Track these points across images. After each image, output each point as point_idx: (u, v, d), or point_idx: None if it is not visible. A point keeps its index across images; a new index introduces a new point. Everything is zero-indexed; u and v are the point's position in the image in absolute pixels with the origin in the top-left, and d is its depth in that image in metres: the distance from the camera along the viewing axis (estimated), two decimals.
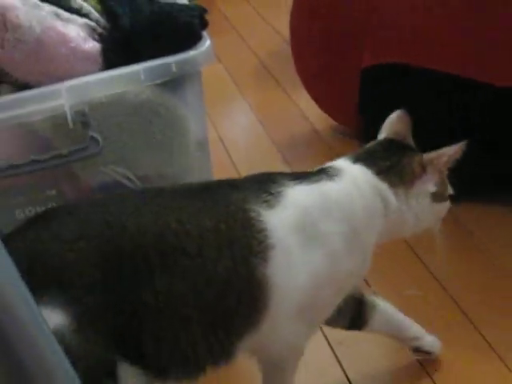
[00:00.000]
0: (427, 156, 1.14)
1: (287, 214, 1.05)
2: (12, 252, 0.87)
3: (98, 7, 1.29)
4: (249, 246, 1.02)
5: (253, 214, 1.03)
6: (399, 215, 1.13)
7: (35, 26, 1.18)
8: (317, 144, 2.06)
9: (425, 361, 1.31)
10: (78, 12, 1.25)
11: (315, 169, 1.13)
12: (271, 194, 1.06)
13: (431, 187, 1.15)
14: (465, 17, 1.59)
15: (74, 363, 0.79)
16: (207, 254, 1.00)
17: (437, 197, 1.16)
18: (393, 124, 1.22)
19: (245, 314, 1.03)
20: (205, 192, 1.07)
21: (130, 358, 0.99)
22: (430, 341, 1.28)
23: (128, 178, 1.29)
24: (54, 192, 1.27)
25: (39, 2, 1.21)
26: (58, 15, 1.22)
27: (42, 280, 0.94)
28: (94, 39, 1.24)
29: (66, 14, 1.23)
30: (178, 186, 1.15)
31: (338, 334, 1.34)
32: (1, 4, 1.16)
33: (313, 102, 2.06)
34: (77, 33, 1.21)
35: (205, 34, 1.32)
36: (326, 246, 1.06)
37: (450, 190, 1.18)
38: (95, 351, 0.96)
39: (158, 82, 1.22)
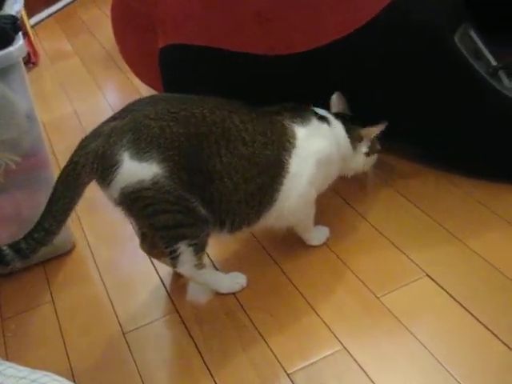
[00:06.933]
0: (363, 130, 1.72)
1: (308, 131, 1.58)
2: (120, 127, 1.40)
3: None
4: (283, 145, 1.54)
5: (288, 128, 1.56)
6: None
7: None
8: None
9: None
10: None
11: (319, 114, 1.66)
12: (303, 118, 1.60)
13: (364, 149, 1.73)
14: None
15: (165, 195, 1.40)
16: (256, 146, 1.49)
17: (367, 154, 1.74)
18: (334, 103, 1.80)
19: (271, 189, 1.54)
20: (258, 110, 1.56)
21: (202, 202, 1.46)
22: None
23: None
24: None
25: None
26: None
27: (145, 146, 1.38)
28: None
29: None
30: (241, 102, 1.56)
31: None
32: None
33: None
34: None
35: (19, 35, 1.68)
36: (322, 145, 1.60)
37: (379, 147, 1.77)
38: (178, 191, 1.41)
39: None
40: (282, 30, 1.92)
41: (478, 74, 1.74)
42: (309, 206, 1.66)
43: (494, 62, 1.80)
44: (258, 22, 1.93)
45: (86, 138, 1.45)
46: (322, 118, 1.66)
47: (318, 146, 1.60)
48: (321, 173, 1.61)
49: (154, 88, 2.45)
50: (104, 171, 1.40)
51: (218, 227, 1.54)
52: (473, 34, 1.82)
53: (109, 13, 2.47)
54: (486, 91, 1.76)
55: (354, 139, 1.71)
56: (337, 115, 1.72)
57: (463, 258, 1.62)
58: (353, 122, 1.73)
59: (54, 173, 1.73)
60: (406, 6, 1.75)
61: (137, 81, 2.65)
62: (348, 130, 1.70)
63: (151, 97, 1.53)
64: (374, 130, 1.71)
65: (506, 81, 1.80)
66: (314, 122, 1.62)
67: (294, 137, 1.57)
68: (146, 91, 2.58)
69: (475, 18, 1.87)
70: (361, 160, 1.74)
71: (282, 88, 1.93)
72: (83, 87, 2.94)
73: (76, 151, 1.43)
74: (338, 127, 1.68)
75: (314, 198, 1.65)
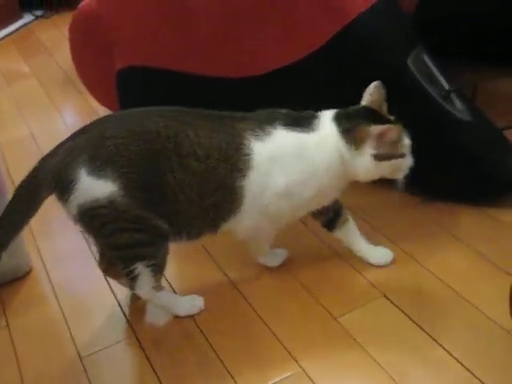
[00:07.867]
0: (372, 128, 1.44)
1: (268, 148, 1.46)
2: (77, 146, 1.41)
3: None
4: (235, 164, 1.44)
5: (245, 142, 1.45)
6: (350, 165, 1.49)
7: None
8: None
9: None
10: None
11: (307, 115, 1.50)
12: (263, 131, 1.46)
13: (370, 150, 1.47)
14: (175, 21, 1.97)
15: (122, 214, 1.39)
16: (210, 162, 1.42)
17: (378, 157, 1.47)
18: (369, 95, 1.54)
19: (226, 207, 1.48)
20: (218, 117, 1.48)
21: (160, 218, 1.44)
22: (375, 255, 1.69)
23: None
24: None
25: None
26: None
27: (101, 164, 1.37)
28: None
29: None
30: (201, 110, 1.49)
31: None
32: None
33: None
34: None
35: None
36: (286, 175, 1.48)
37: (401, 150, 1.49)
38: (135, 210, 1.41)
39: None
40: (236, 53, 1.93)
41: (431, 96, 1.78)
42: (266, 234, 1.65)
43: (446, 86, 1.84)
44: (215, 45, 1.95)
45: (45, 156, 1.45)
46: (298, 123, 1.50)
47: (277, 177, 1.47)
48: (285, 205, 1.52)
49: (113, 111, 2.43)
50: (63, 187, 1.40)
51: (178, 237, 1.52)
52: (426, 58, 1.86)
53: (67, 33, 2.46)
54: (440, 114, 1.80)
55: (354, 138, 1.47)
56: (337, 114, 1.52)
57: (419, 277, 1.65)
58: (370, 118, 1.49)
59: (10, 194, 1.69)
60: (359, 31, 1.78)
61: (95, 103, 2.65)
62: (345, 129, 1.48)
63: (106, 117, 1.53)
64: (378, 129, 1.44)
65: (458, 103, 1.84)
66: (277, 134, 1.47)
67: (249, 153, 1.45)
68: (104, 113, 2.55)
69: (428, 42, 1.91)
70: (367, 163, 1.48)
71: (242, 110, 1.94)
72: (40, 109, 2.92)
73: (35, 167, 1.43)
74: (325, 128, 1.49)
75: (271, 230, 1.64)
